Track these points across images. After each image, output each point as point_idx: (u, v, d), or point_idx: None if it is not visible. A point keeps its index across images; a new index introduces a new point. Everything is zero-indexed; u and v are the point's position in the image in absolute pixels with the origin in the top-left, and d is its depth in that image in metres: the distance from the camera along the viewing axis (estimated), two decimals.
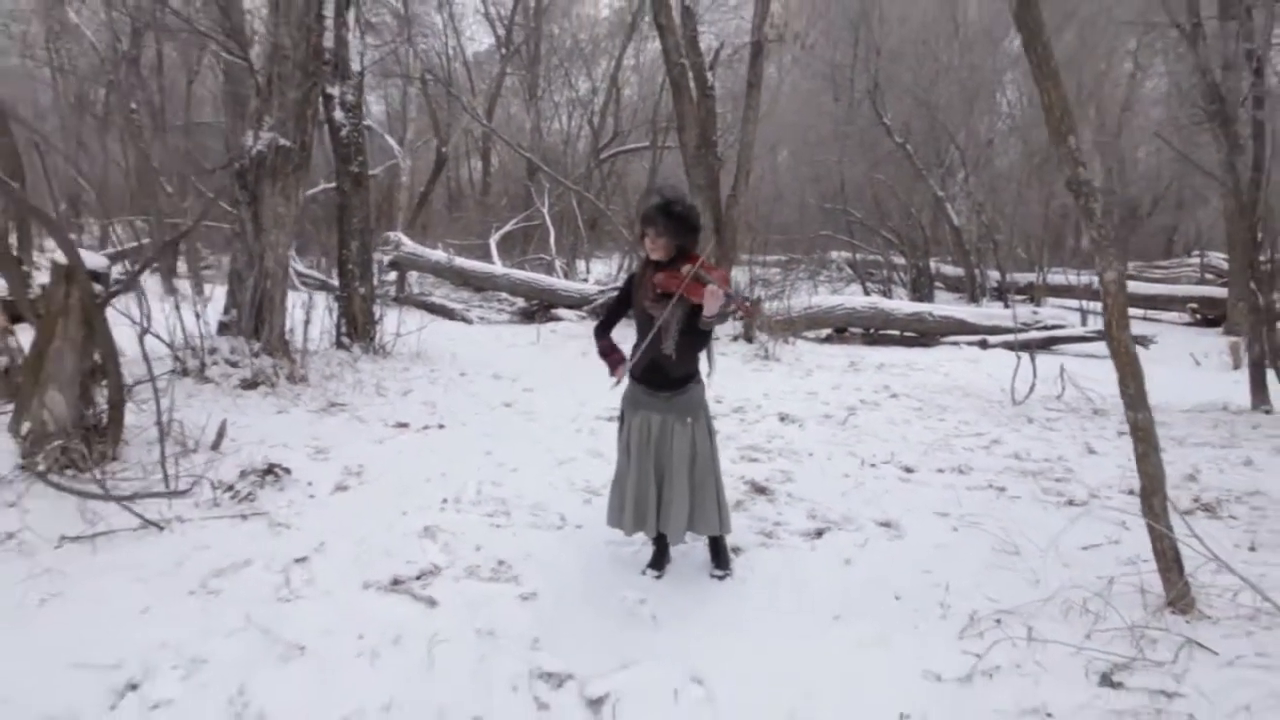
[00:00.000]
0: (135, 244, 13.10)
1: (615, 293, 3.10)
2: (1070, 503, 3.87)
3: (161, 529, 2.91)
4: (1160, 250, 19.07)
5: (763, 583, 2.95)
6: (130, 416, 3.68)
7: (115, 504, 2.92)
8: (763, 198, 15.01)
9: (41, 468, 3.07)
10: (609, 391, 2.91)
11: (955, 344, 9.73)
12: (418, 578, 2.76)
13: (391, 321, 7.03)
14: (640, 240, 2.68)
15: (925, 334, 9.95)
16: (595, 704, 2.20)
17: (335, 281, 7.35)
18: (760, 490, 3.97)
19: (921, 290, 13.50)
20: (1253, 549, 3.27)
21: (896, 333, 10.09)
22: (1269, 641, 2.49)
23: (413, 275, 12.09)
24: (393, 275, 11.15)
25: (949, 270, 14.69)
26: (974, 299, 13.14)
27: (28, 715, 1.87)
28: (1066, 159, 2.05)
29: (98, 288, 3.29)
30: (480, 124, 15.58)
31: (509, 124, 19.97)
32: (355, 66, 6.88)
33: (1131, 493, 3.46)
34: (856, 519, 3.60)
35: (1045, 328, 9.25)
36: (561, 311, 10.56)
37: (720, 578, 2.96)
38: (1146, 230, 18.65)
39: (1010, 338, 8.47)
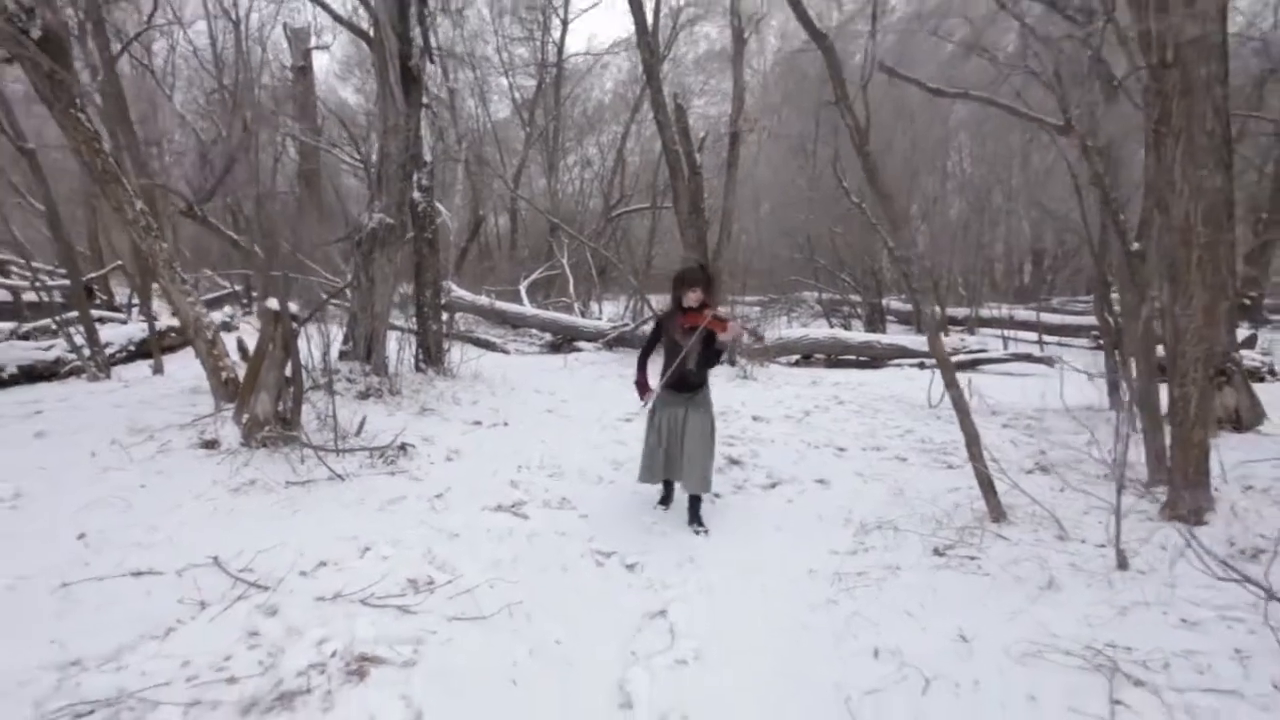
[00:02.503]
0: (228, 290, 14.55)
1: (646, 327, 4.20)
2: (949, 467, 5.01)
3: (343, 479, 4.07)
4: (1084, 286, 20.41)
5: (732, 513, 4.10)
6: None
7: (314, 460, 4.09)
8: (743, 248, 16.30)
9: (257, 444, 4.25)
10: (635, 408, 4.06)
11: (899, 366, 10.91)
12: (512, 506, 3.92)
13: (454, 352, 8.22)
14: (681, 292, 3.61)
15: (875, 358, 11.12)
16: (630, 567, 3.34)
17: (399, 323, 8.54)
18: (735, 462, 5.12)
19: (875, 323, 14.70)
20: (1062, 490, 4.38)
21: (852, 357, 11.28)
22: (1044, 535, 3.61)
23: (456, 314, 13.33)
24: (443, 315, 12.37)
25: (899, 306, 15.95)
26: (919, 330, 14.35)
27: (317, 558, 3.03)
28: (900, 244, 3.26)
29: (294, 325, 4.50)
30: (516, 195, 16.98)
31: (530, 185, 21.49)
32: (427, 157, 8.21)
33: (995, 460, 4.57)
34: (799, 478, 4.75)
35: (970, 352, 10.44)
36: (582, 344, 11.75)
37: (697, 533, 3.71)
38: (1070, 269, 20.01)
39: None
